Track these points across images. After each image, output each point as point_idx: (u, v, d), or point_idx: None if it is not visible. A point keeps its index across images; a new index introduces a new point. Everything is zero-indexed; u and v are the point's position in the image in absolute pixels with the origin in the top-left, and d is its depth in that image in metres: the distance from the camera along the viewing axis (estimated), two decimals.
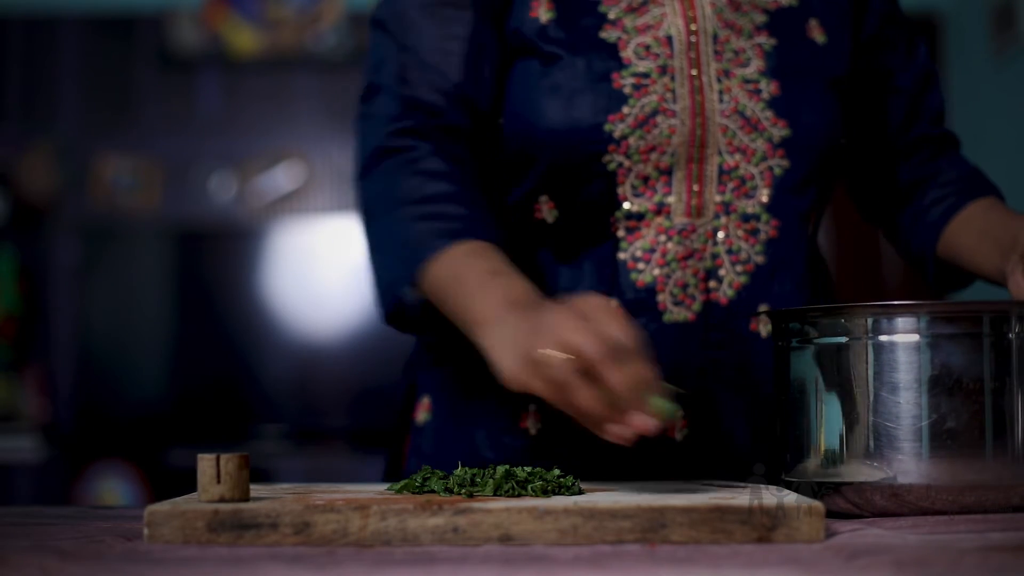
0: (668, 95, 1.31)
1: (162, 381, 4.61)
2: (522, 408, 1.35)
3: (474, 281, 1.17)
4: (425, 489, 1.07)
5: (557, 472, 1.06)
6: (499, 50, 1.35)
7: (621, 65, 1.31)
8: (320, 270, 4.49)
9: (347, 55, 4.57)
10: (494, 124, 1.37)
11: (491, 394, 1.37)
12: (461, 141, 1.33)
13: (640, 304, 1.32)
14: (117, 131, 4.65)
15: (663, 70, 1.32)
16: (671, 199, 1.32)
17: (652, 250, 1.32)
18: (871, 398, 1.06)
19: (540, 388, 1.03)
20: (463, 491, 1.03)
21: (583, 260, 1.34)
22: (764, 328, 1.34)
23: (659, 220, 1.32)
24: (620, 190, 1.32)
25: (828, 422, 1.09)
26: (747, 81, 1.34)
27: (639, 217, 1.32)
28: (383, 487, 1.12)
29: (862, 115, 1.48)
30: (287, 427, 4.44)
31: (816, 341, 1.10)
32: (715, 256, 1.33)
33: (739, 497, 0.98)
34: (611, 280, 1.33)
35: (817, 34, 1.38)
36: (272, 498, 1.00)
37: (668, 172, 1.32)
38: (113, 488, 4.39)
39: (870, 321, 1.07)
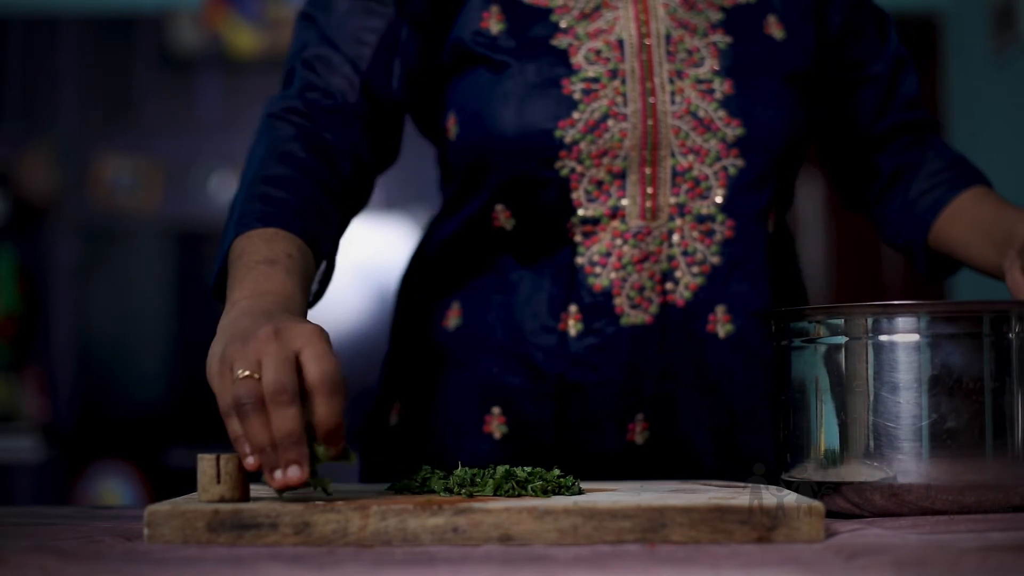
0: (619, 99, 1.31)
1: (162, 381, 4.61)
2: (486, 412, 1.36)
3: (246, 265, 1.13)
4: (425, 489, 1.07)
5: (557, 472, 1.06)
6: (421, 54, 1.35)
7: (571, 71, 1.31)
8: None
9: None
10: (398, 121, 1.37)
11: (456, 399, 1.37)
12: (345, 124, 1.32)
13: (598, 308, 1.32)
14: (117, 131, 4.65)
15: (613, 74, 1.32)
16: (625, 202, 1.32)
17: (608, 254, 1.32)
18: (871, 398, 1.06)
19: (223, 400, 0.98)
20: (463, 491, 1.03)
21: (543, 266, 1.35)
22: (722, 328, 1.34)
23: (614, 224, 1.32)
24: (574, 195, 1.32)
25: (828, 422, 1.09)
26: (700, 81, 1.33)
27: (595, 222, 1.32)
28: (383, 487, 1.12)
29: (836, 106, 1.48)
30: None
31: (816, 341, 1.10)
32: (671, 258, 1.33)
33: (739, 497, 0.98)
34: (569, 285, 1.33)
35: (775, 30, 1.38)
36: (272, 498, 0.99)
37: (621, 176, 1.32)
38: (113, 488, 4.39)
39: (870, 321, 1.07)
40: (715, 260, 1.34)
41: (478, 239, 1.38)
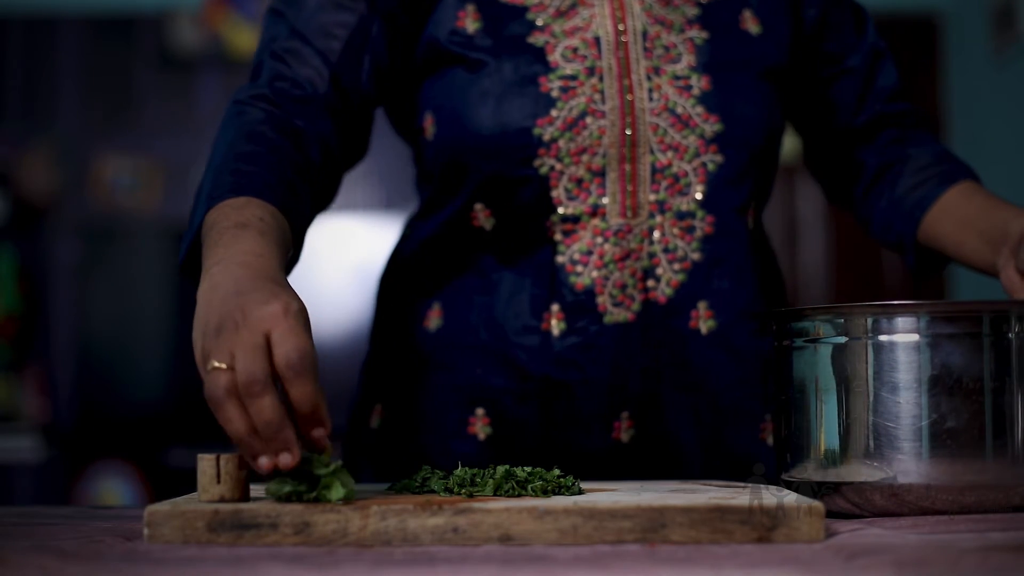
0: (596, 96, 1.31)
1: (162, 381, 4.61)
2: (470, 414, 1.35)
3: (219, 231, 1.10)
4: (425, 489, 1.07)
5: (557, 472, 1.06)
6: (392, 50, 1.35)
7: (548, 68, 1.31)
8: (319, 270, 4.50)
9: None
10: (367, 117, 1.36)
11: (439, 401, 1.37)
12: (316, 114, 1.31)
13: (580, 307, 1.32)
14: (117, 131, 4.65)
15: (591, 71, 1.32)
16: (605, 200, 1.32)
17: (589, 252, 1.32)
18: (871, 398, 1.06)
19: (205, 393, 0.97)
20: (463, 491, 1.03)
21: (523, 265, 1.34)
22: (704, 325, 1.34)
23: (595, 222, 1.32)
24: (554, 194, 1.32)
25: (828, 422, 1.09)
26: (677, 77, 1.34)
27: (575, 220, 1.32)
28: (383, 487, 1.12)
29: (815, 101, 1.48)
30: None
31: (816, 341, 1.10)
32: (652, 255, 1.33)
33: (739, 497, 0.98)
34: (551, 284, 1.33)
35: (751, 25, 1.38)
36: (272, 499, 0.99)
37: (601, 173, 1.32)
38: (113, 488, 4.39)
39: (870, 321, 1.07)
40: (696, 256, 1.34)
41: (458, 239, 1.37)
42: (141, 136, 4.66)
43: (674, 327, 1.33)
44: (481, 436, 1.35)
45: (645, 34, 1.34)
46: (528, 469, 1.07)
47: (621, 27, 1.33)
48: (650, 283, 1.33)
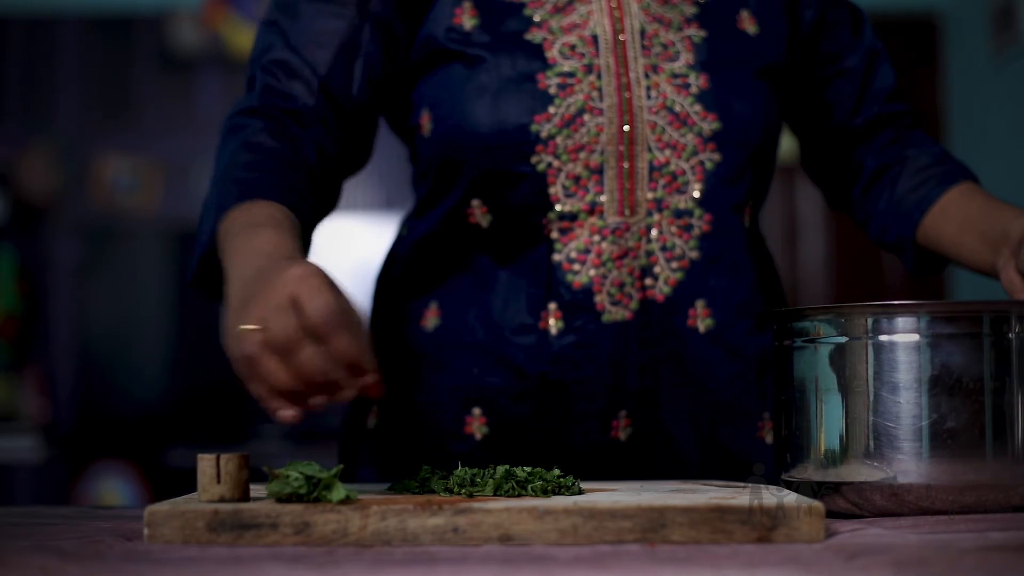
0: (594, 94, 1.31)
1: (162, 381, 4.61)
2: (467, 413, 1.35)
3: (231, 237, 1.13)
4: (425, 489, 1.07)
5: (557, 472, 1.06)
6: (385, 55, 1.35)
7: (546, 65, 1.31)
8: None
9: None
10: (365, 124, 1.36)
11: (436, 401, 1.37)
12: (307, 124, 1.32)
13: (578, 305, 1.32)
14: (117, 131, 4.65)
15: (589, 69, 1.32)
16: (603, 198, 1.32)
17: (587, 251, 1.32)
18: (871, 398, 1.06)
19: (237, 361, 0.99)
20: (463, 491, 1.03)
21: (520, 264, 1.34)
22: (702, 323, 1.34)
23: (592, 220, 1.32)
24: (551, 191, 1.32)
25: (828, 422, 1.09)
26: (675, 76, 1.34)
27: (572, 218, 1.32)
28: (383, 487, 1.12)
29: (811, 102, 1.48)
30: (287, 427, 4.44)
31: (816, 341, 1.10)
32: (650, 254, 1.33)
33: (739, 497, 0.98)
34: (547, 282, 1.33)
35: (749, 24, 1.38)
36: (272, 498, 0.99)
37: (599, 171, 1.32)
38: (113, 488, 4.39)
39: (870, 321, 1.07)
40: (693, 255, 1.34)
41: (454, 237, 1.37)
42: (141, 136, 4.66)
43: (672, 326, 1.34)
44: (478, 436, 1.35)
45: (643, 32, 1.34)
46: (528, 469, 1.06)
47: (619, 25, 1.33)
48: (648, 281, 1.33)
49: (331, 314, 0.95)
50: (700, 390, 1.35)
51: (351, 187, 1.42)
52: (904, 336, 1.06)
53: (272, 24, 1.36)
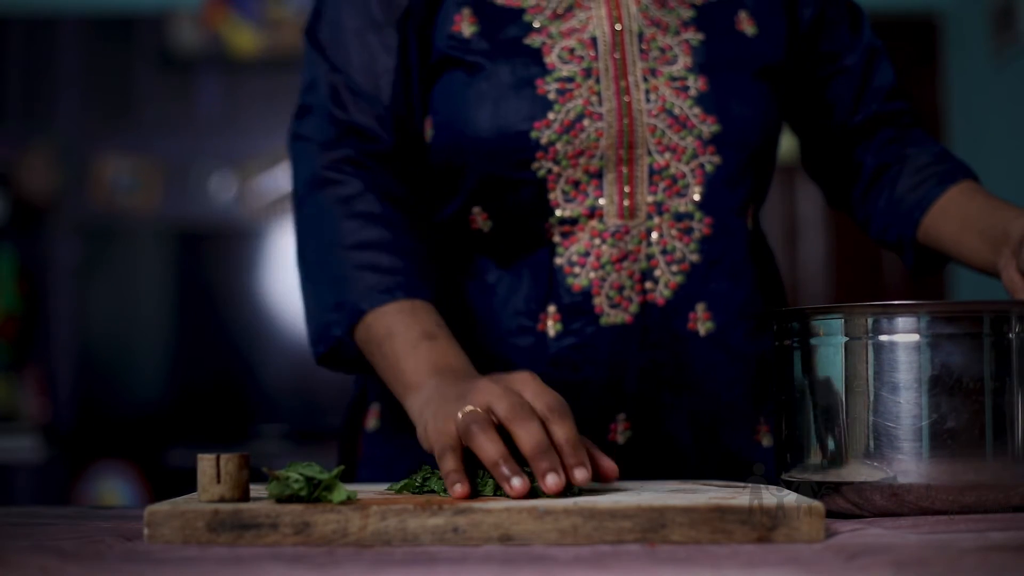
0: (593, 98, 1.31)
1: (162, 381, 4.61)
2: None
3: (405, 343, 1.21)
4: (425, 489, 1.07)
5: None
6: (423, 64, 1.36)
7: (545, 71, 1.31)
8: None
9: None
10: (421, 139, 1.37)
11: None
12: (395, 167, 1.34)
13: (577, 308, 1.32)
14: (117, 131, 4.65)
15: (587, 73, 1.32)
16: (603, 202, 1.32)
17: (587, 254, 1.32)
18: (871, 398, 1.06)
19: (440, 443, 1.07)
20: None
21: (521, 267, 1.34)
22: (703, 326, 1.34)
23: (592, 224, 1.32)
24: (552, 196, 1.32)
25: (828, 422, 1.09)
26: (674, 79, 1.33)
27: (572, 222, 1.32)
28: (383, 487, 1.12)
29: (811, 101, 1.48)
30: (287, 427, 4.44)
31: (816, 341, 1.10)
32: (650, 257, 1.33)
33: (739, 497, 0.98)
34: (548, 285, 1.33)
35: (747, 26, 1.38)
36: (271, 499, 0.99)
37: (598, 175, 1.32)
38: (113, 488, 4.39)
39: (870, 321, 1.07)
40: (694, 258, 1.34)
41: (455, 241, 1.38)
42: (141, 136, 4.66)
43: (672, 329, 1.33)
44: None
45: (641, 35, 1.34)
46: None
47: (618, 27, 1.33)
48: (648, 285, 1.33)
49: (561, 404, 1.05)
50: (700, 393, 1.35)
51: None
52: (904, 336, 1.06)
53: (319, 50, 1.36)
